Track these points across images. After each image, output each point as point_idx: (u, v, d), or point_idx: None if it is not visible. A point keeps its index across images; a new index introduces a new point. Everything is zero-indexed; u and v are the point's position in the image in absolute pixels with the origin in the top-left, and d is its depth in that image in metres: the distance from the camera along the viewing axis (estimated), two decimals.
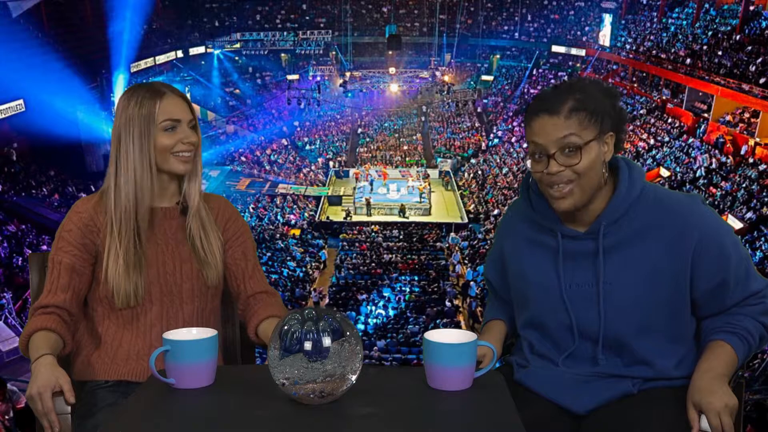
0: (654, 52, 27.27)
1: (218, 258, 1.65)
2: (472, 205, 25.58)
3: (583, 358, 1.46)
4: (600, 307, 1.41)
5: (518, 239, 1.54)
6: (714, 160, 19.68)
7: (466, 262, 19.70)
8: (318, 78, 35.09)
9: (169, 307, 1.61)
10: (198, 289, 1.63)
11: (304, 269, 19.13)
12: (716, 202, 17.63)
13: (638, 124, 25.09)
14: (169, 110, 1.56)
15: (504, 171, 27.36)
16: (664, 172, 20.84)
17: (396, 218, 24.11)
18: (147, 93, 1.56)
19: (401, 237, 22.12)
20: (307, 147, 32.12)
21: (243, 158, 29.69)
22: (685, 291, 1.41)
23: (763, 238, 15.19)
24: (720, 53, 22.90)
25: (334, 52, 37.17)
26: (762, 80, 19.54)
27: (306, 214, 24.73)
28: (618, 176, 1.43)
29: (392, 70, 35.30)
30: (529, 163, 1.41)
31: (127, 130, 1.55)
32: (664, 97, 25.49)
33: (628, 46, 29.62)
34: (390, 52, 35.96)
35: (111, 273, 1.55)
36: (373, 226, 23.00)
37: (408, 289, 17.37)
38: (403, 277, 18.23)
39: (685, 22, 27.71)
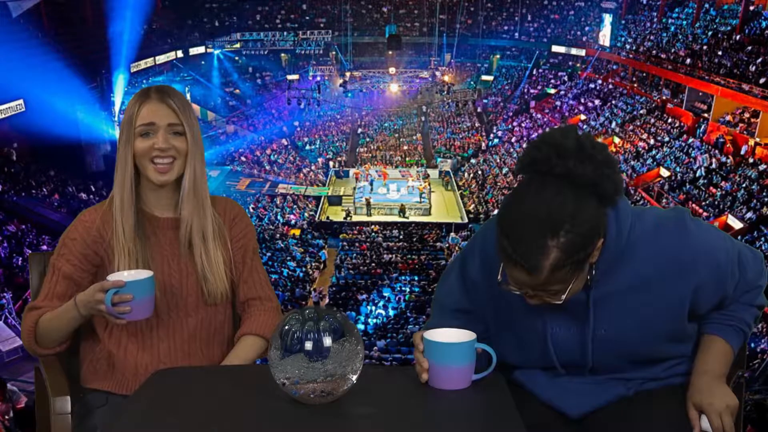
0: (654, 52, 27.26)
1: (221, 273, 1.60)
2: (472, 205, 25.58)
3: (575, 372, 1.43)
4: (589, 348, 1.35)
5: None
6: (714, 160, 19.67)
7: None
8: (318, 78, 35.08)
9: (175, 320, 1.59)
10: (203, 301, 1.61)
11: (304, 269, 19.13)
12: (716, 202, 17.64)
13: (638, 124, 25.09)
14: (144, 114, 1.52)
15: (504, 171, 27.35)
16: (664, 172, 20.84)
17: (396, 218, 24.11)
18: (136, 97, 1.55)
19: (401, 237, 22.12)
20: (307, 147, 32.12)
21: (243, 158, 29.69)
22: (684, 319, 1.35)
23: (763, 238, 15.19)
24: (720, 53, 22.89)
25: (334, 52, 37.15)
26: (762, 80, 19.53)
27: (306, 214, 24.73)
28: (606, 226, 1.25)
29: (392, 70, 35.28)
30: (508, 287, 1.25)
31: (119, 137, 1.55)
32: (664, 97, 25.49)
33: (628, 46, 29.61)
34: (390, 52, 35.94)
35: None
36: (373, 226, 22.99)
37: (408, 289, 17.38)
38: (403, 277, 18.23)
39: (685, 22, 27.71)
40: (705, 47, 24.26)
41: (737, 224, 15.97)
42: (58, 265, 1.56)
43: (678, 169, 20.62)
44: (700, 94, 23.18)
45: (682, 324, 1.36)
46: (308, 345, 1.11)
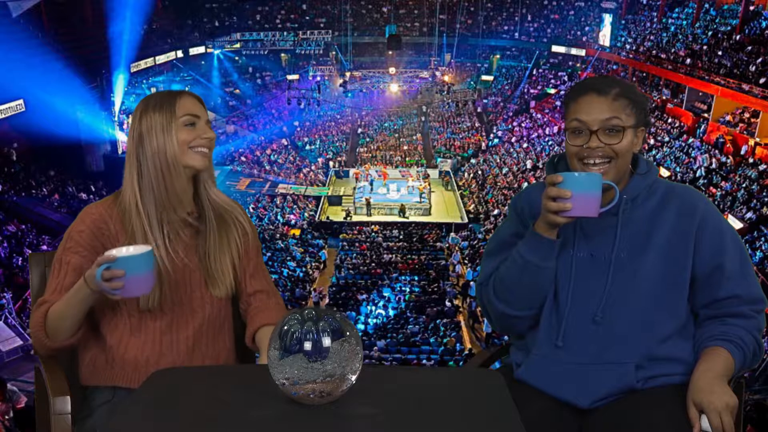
0: (654, 52, 27.26)
1: (229, 274, 1.66)
2: (472, 205, 25.58)
3: (580, 333, 1.47)
4: (609, 274, 1.47)
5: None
6: (714, 160, 19.67)
7: (466, 262, 19.70)
8: (318, 78, 35.09)
9: (179, 316, 1.60)
10: (208, 298, 1.63)
11: (304, 269, 19.13)
12: (716, 202, 17.63)
13: None
14: (188, 106, 1.57)
15: (504, 171, 27.35)
16: (664, 172, 20.82)
17: (396, 218, 24.12)
18: (164, 95, 1.58)
19: (401, 237, 22.13)
20: (307, 147, 32.12)
21: (243, 158, 29.69)
22: (688, 269, 1.46)
23: (763, 238, 15.19)
24: (720, 53, 22.89)
25: (334, 52, 37.16)
26: (762, 80, 19.53)
27: (306, 214, 24.73)
28: (637, 164, 1.54)
29: (392, 70, 35.29)
30: (566, 137, 1.49)
31: (150, 133, 1.54)
32: (664, 97, 25.49)
33: (628, 46, 29.61)
34: (390, 52, 35.95)
35: None
36: (373, 226, 23.00)
37: (408, 289, 17.38)
38: (403, 277, 18.24)
39: (685, 22, 27.71)
40: (705, 47, 24.26)
41: (737, 224, 15.96)
42: (66, 259, 1.54)
43: (678, 169, 20.62)
44: (700, 94, 23.18)
45: (686, 278, 1.46)
46: (307, 345, 1.11)
